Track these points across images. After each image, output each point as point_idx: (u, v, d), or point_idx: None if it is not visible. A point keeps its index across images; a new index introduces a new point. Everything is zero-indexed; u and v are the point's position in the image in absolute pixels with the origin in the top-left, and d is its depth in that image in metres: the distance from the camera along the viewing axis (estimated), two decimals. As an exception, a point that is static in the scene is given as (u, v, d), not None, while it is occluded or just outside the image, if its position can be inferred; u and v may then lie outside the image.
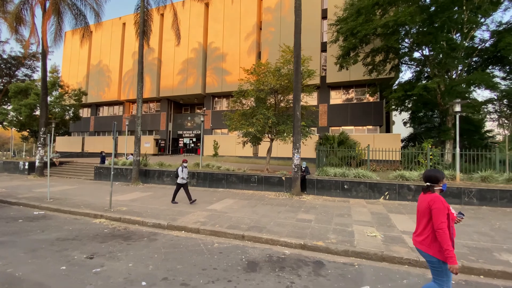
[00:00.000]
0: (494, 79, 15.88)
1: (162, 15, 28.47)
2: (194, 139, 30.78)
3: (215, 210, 8.03)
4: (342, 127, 23.77)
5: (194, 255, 4.66)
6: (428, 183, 2.82)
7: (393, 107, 18.19)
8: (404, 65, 17.48)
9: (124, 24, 32.88)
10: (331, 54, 19.64)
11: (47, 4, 16.92)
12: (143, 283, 3.52)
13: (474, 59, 17.30)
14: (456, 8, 13.45)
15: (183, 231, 6.35)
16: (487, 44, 16.31)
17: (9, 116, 20.41)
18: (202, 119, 15.15)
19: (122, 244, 5.19)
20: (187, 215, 7.44)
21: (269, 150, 13.54)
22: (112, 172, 8.60)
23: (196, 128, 30.57)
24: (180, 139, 31.83)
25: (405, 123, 20.51)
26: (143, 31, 14.15)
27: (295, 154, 10.51)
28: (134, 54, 30.78)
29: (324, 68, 23.88)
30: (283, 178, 11.18)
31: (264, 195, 10.59)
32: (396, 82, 19.64)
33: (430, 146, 14.03)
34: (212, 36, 28.00)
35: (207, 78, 27.97)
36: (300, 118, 10.66)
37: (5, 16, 17.71)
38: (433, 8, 13.66)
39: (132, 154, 14.83)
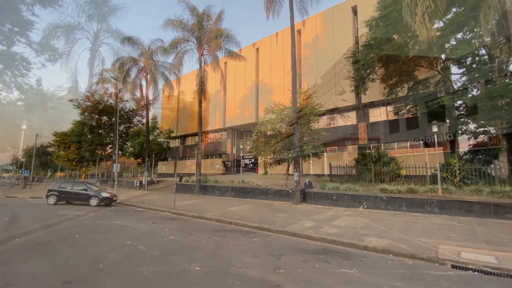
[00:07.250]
0: None
1: (226, 63, 36.53)
2: (252, 160, 36.32)
3: (230, 211, 12.50)
4: (383, 143, 24.63)
5: (197, 225, 9.32)
6: None
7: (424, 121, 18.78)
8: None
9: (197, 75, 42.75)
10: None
11: (148, 77, 26.14)
12: (166, 229, 8.42)
13: None
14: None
15: (204, 219, 11.06)
16: None
17: (129, 150, 31.04)
18: (248, 147, 20.14)
19: (169, 221, 10.34)
20: (211, 211, 12.19)
21: (287, 170, 17.21)
22: (175, 187, 14.40)
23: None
24: (242, 160, 38.00)
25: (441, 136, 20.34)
26: (201, 90, 20.65)
27: (295, 172, 14.02)
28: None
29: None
30: (290, 191, 14.71)
31: (273, 203, 14.39)
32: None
33: (454, 162, 14.85)
34: (262, 74, 33.81)
35: (259, 109, 33.52)
36: (298, 145, 14.22)
37: (126, 85, 27.99)
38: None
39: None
